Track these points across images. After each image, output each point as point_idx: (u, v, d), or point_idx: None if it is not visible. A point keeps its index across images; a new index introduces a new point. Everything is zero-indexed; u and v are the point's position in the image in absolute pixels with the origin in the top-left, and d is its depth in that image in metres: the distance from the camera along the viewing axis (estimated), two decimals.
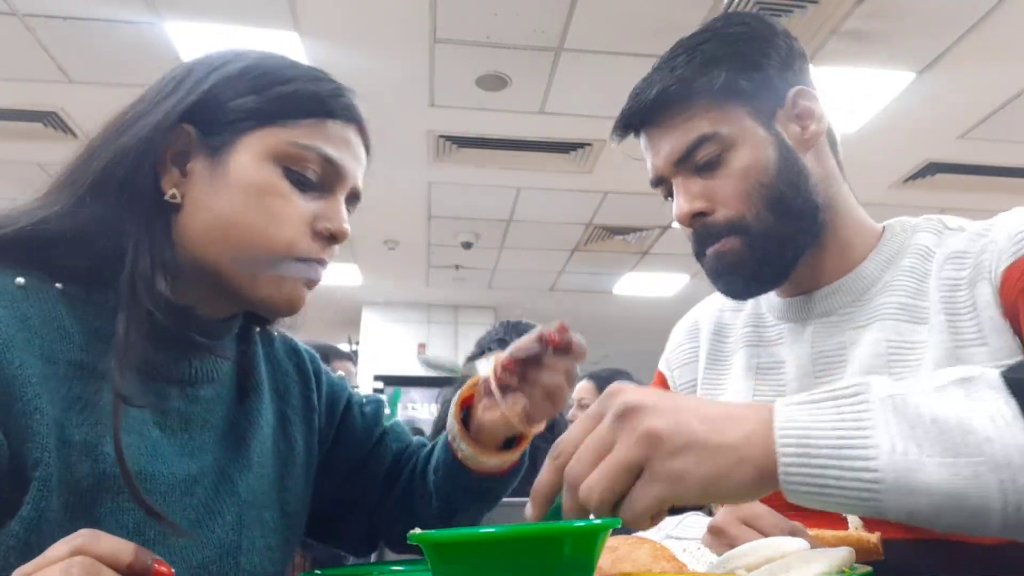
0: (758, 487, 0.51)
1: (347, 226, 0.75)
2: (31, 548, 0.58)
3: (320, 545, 0.98)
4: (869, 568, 0.55)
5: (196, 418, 0.73)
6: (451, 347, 7.29)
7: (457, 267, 6.31)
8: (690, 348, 1.04)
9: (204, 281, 0.73)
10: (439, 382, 6.35)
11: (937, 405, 0.49)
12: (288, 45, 3.20)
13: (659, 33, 3.10)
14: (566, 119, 3.83)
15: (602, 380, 2.82)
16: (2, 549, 0.59)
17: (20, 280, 0.65)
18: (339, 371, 2.42)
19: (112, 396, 0.63)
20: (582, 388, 2.86)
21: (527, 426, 0.81)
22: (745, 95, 0.85)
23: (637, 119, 0.89)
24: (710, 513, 1.01)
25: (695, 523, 0.88)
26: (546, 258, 6.13)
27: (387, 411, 1.00)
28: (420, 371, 7.15)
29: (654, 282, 6.56)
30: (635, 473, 0.51)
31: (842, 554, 0.56)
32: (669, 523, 0.91)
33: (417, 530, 0.47)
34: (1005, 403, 0.48)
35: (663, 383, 1.06)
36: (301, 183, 0.72)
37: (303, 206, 0.72)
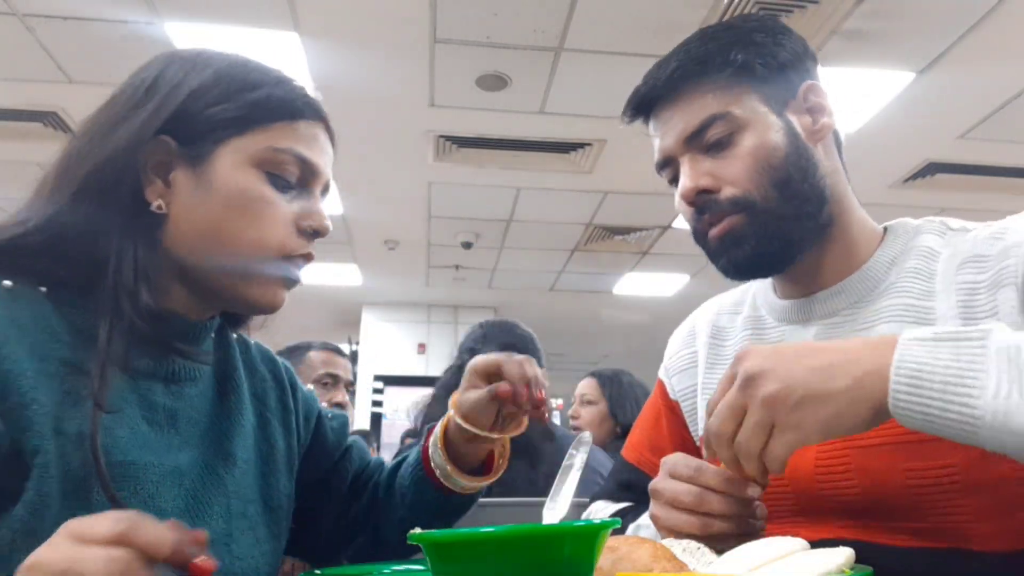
0: (872, 420, 0.60)
1: (328, 221, 0.79)
2: (36, 532, 0.60)
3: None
4: (869, 569, 0.55)
5: (181, 414, 0.76)
6: (451, 347, 7.28)
7: (457, 267, 6.31)
8: (688, 354, 1.03)
9: (188, 286, 0.76)
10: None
11: None
12: (288, 45, 3.21)
13: (659, 33, 3.10)
14: (566, 119, 3.83)
15: (604, 377, 2.82)
16: (9, 533, 0.62)
17: (7, 283, 0.68)
18: (333, 369, 2.42)
19: (92, 400, 0.66)
20: (585, 384, 2.86)
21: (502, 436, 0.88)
22: (758, 81, 0.86)
23: (652, 95, 0.89)
24: None
25: None
26: (546, 258, 6.13)
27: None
28: (420, 371, 7.15)
29: (654, 282, 6.56)
30: (768, 429, 0.62)
31: (842, 554, 0.56)
32: None
33: (417, 530, 0.47)
34: None
35: (662, 391, 1.06)
36: (281, 185, 0.76)
37: (286, 207, 0.76)
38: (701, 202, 0.85)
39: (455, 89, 3.58)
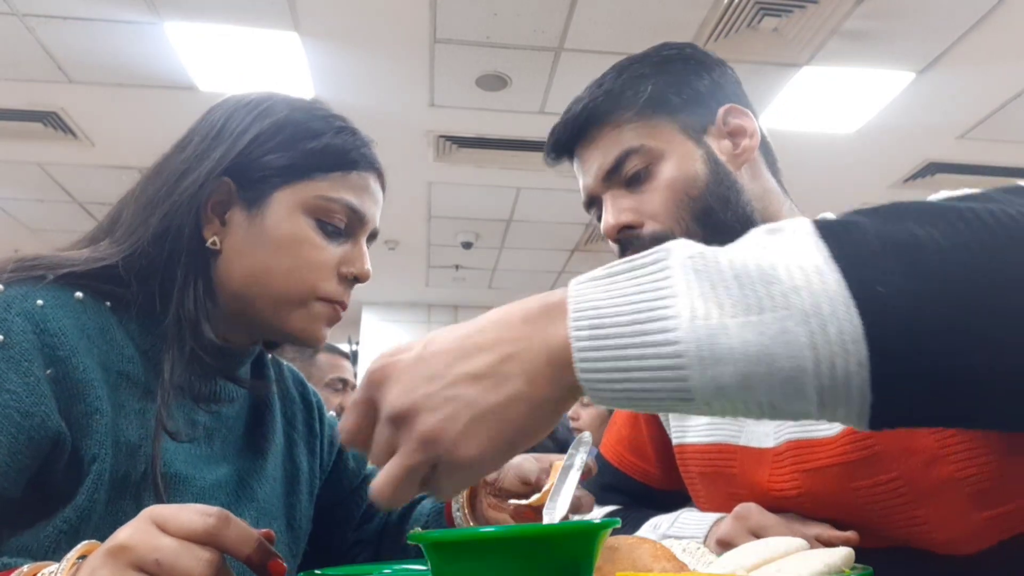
0: (565, 409, 0.45)
1: (368, 267, 0.83)
2: (79, 534, 0.64)
3: None
4: (869, 568, 0.55)
5: (218, 432, 0.80)
6: None
7: (457, 267, 6.31)
8: None
9: (235, 317, 0.80)
10: None
11: (740, 259, 0.41)
12: (288, 45, 3.21)
13: (659, 33, 3.10)
14: None
15: None
16: (55, 533, 0.65)
17: (79, 294, 0.71)
18: (343, 374, 2.43)
19: (156, 423, 0.71)
20: None
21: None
22: (673, 109, 0.85)
23: (566, 136, 0.90)
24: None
25: (691, 520, 0.88)
26: (546, 258, 6.13)
27: None
28: None
29: None
30: (427, 469, 0.44)
31: (842, 554, 0.56)
32: (665, 521, 0.91)
33: (417, 529, 0.47)
34: (815, 247, 0.41)
35: None
36: (330, 232, 0.80)
37: (331, 253, 0.80)
38: (624, 238, 0.85)
39: (455, 89, 3.58)
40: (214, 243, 0.77)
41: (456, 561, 0.46)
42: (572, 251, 5.95)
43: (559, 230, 5.48)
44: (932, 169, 4.36)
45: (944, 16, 2.99)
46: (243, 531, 0.48)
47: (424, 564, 0.75)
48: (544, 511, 0.67)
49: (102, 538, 0.49)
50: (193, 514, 0.47)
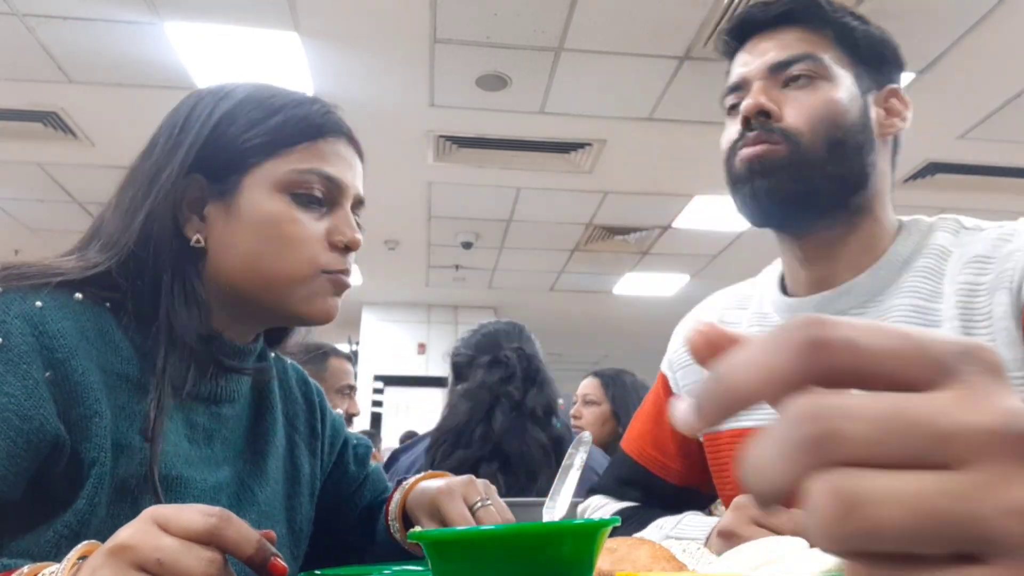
0: None
1: (358, 235, 0.80)
2: (80, 538, 0.63)
3: None
4: None
5: (218, 434, 0.79)
6: (451, 347, 7.28)
7: (457, 267, 6.31)
8: None
9: (234, 311, 0.79)
10: (438, 383, 6.35)
11: None
12: (288, 45, 3.21)
13: (659, 33, 3.10)
14: (566, 119, 3.84)
15: (607, 378, 2.82)
16: (55, 537, 0.64)
17: (78, 295, 0.70)
18: (351, 380, 2.44)
19: (153, 424, 0.70)
20: (587, 384, 2.86)
21: None
22: (855, 55, 0.89)
23: (762, 16, 0.90)
24: (709, 513, 1.01)
25: (694, 523, 0.88)
26: (546, 258, 6.13)
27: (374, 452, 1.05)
28: (420, 371, 7.15)
29: (654, 282, 6.56)
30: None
31: None
32: (669, 523, 0.91)
33: (417, 528, 0.47)
34: None
35: (665, 385, 1.06)
36: (308, 204, 0.77)
37: (315, 225, 0.78)
38: (758, 123, 0.86)
39: (455, 89, 3.58)
40: (198, 241, 0.76)
41: (456, 560, 0.46)
42: (572, 251, 5.95)
43: (559, 230, 5.48)
44: (932, 169, 4.36)
45: (944, 16, 2.99)
46: (244, 531, 0.48)
47: (423, 565, 0.75)
48: (544, 510, 0.67)
49: (103, 541, 0.49)
50: (195, 514, 0.47)
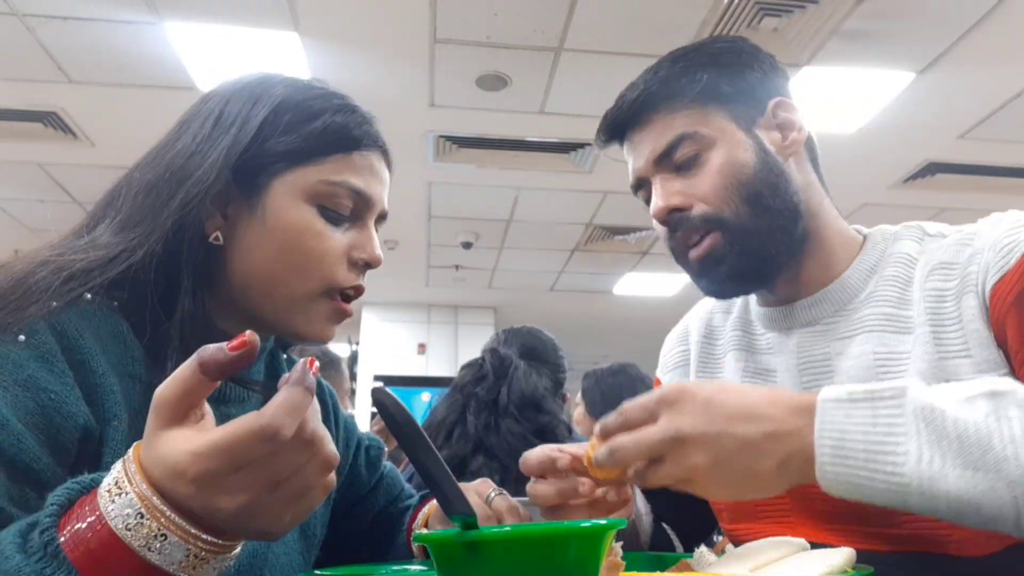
0: (788, 486, 0.62)
1: (379, 252, 0.79)
2: None
3: None
4: (871, 569, 0.55)
5: None
6: (451, 347, 7.29)
7: (457, 267, 6.31)
8: (680, 351, 1.04)
9: (243, 314, 0.76)
10: (439, 382, 6.36)
11: (964, 419, 0.55)
12: (288, 45, 3.21)
13: (659, 33, 3.10)
14: (566, 119, 3.83)
15: (588, 376, 2.82)
16: None
17: (87, 296, 0.67)
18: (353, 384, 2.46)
19: None
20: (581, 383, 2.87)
21: None
22: (725, 99, 0.87)
23: (621, 119, 0.91)
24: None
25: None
26: (546, 258, 6.13)
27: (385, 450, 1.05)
28: (420, 371, 7.15)
29: (654, 282, 6.56)
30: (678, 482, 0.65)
31: (844, 554, 0.56)
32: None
33: (424, 530, 0.47)
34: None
35: None
36: (334, 218, 0.75)
37: (339, 240, 0.76)
38: (673, 220, 0.87)
39: (455, 89, 3.58)
40: (216, 238, 0.73)
41: (462, 562, 0.46)
42: (572, 251, 5.95)
43: (559, 230, 5.48)
44: (932, 169, 4.36)
45: (944, 16, 2.99)
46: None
47: (426, 565, 0.75)
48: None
49: None
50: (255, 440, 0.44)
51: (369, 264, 0.78)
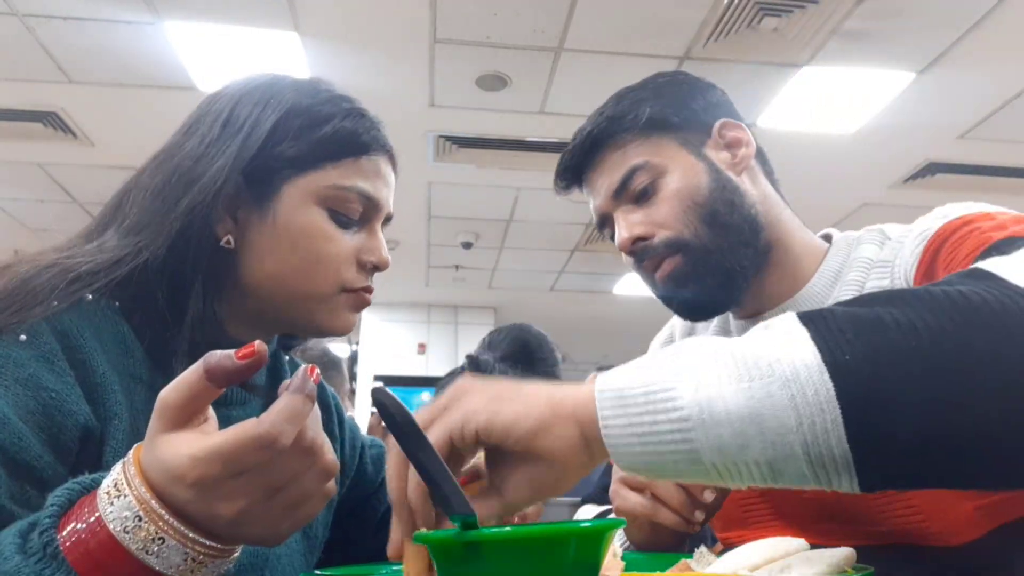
0: (585, 450, 0.51)
1: (387, 255, 0.81)
2: None
3: None
4: (871, 568, 0.55)
5: None
6: (451, 347, 7.29)
7: (457, 267, 6.31)
8: None
9: (252, 316, 0.77)
10: (439, 383, 6.35)
11: (737, 344, 0.50)
12: (288, 45, 3.21)
13: (659, 33, 3.10)
14: (566, 119, 3.83)
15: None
16: None
17: (88, 296, 0.68)
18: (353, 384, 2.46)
19: None
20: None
21: None
22: (672, 127, 0.90)
23: (574, 162, 0.94)
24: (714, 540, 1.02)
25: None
26: (546, 258, 6.13)
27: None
28: (420, 371, 7.15)
29: None
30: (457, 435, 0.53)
31: (844, 554, 0.56)
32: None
33: (423, 529, 0.47)
34: (796, 329, 0.49)
35: None
36: (343, 222, 0.77)
37: (348, 243, 0.77)
38: (639, 250, 0.89)
39: (455, 89, 3.58)
40: (228, 242, 0.73)
41: (462, 562, 0.46)
42: (572, 251, 5.95)
43: (559, 230, 5.48)
44: (932, 169, 4.36)
45: (944, 16, 2.99)
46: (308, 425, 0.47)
47: None
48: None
49: None
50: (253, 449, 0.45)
51: (377, 267, 0.80)
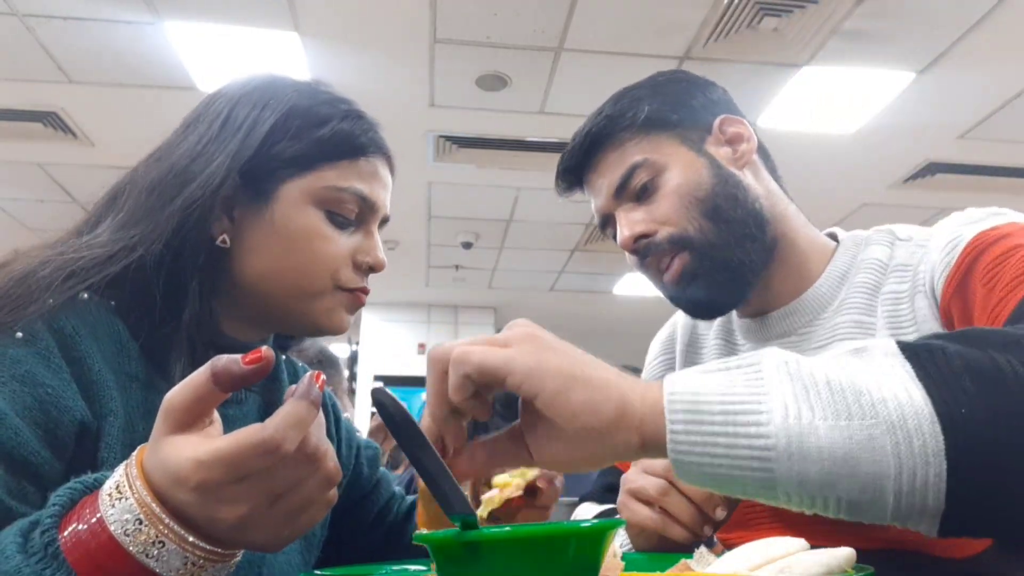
0: (636, 451, 0.49)
1: (383, 257, 0.81)
2: None
3: None
4: (871, 569, 0.55)
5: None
6: None
7: (457, 267, 6.31)
8: (665, 359, 1.05)
9: (248, 315, 0.77)
10: None
11: (832, 370, 0.46)
12: (288, 45, 3.20)
13: (659, 33, 3.10)
14: (566, 119, 3.83)
15: None
16: None
17: (84, 295, 0.68)
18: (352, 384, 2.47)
19: None
20: None
21: None
22: (671, 125, 0.89)
23: (573, 163, 0.93)
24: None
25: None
26: (546, 258, 6.12)
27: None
28: (420, 371, 7.14)
29: None
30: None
31: (844, 554, 0.56)
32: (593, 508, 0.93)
33: (423, 530, 0.47)
34: (901, 366, 0.45)
35: None
36: (340, 222, 0.77)
37: (344, 243, 0.77)
38: (641, 247, 0.88)
39: (455, 89, 3.58)
40: (224, 241, 0.74)
41: (461, 562, 0.46)
42: (572, 251, 5.95)
43: (559, 230, 5.48)
44: (932, 169, 4.36)
45: (944, 16, 2.99)
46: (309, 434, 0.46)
47: (424, 565, 0.75)
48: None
49: None
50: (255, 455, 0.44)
51: (373, 268, 0.80)
